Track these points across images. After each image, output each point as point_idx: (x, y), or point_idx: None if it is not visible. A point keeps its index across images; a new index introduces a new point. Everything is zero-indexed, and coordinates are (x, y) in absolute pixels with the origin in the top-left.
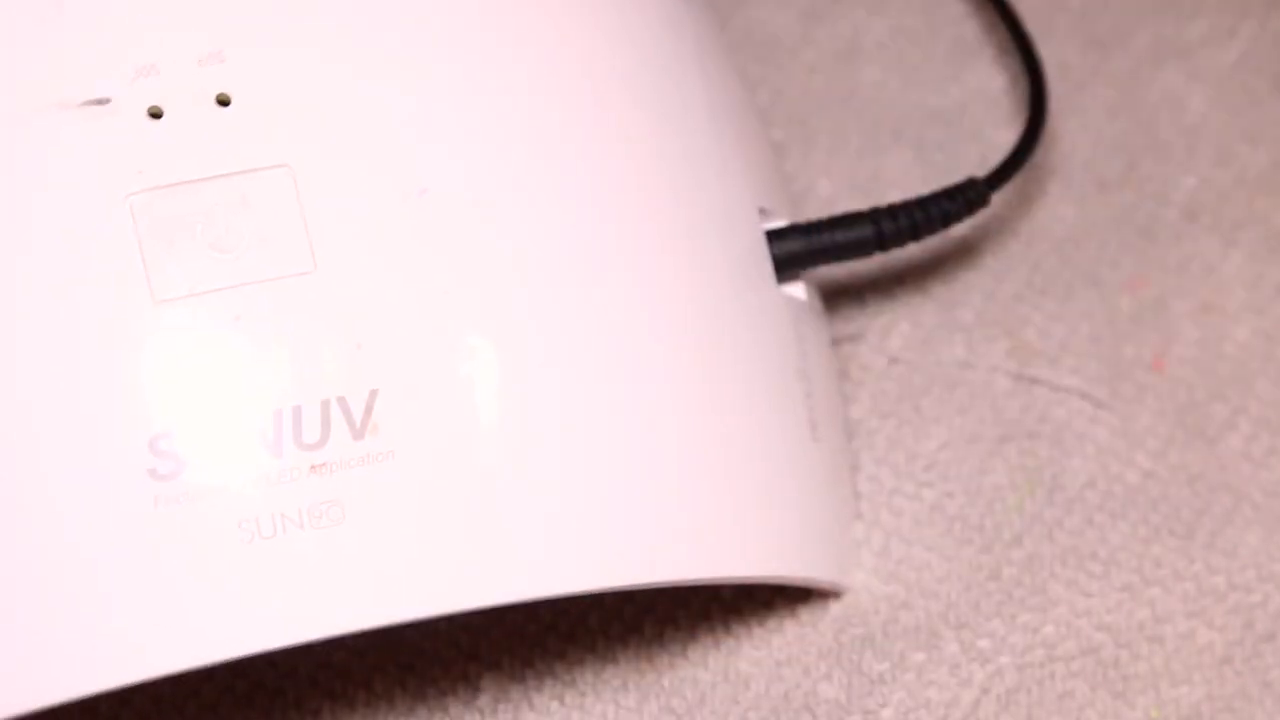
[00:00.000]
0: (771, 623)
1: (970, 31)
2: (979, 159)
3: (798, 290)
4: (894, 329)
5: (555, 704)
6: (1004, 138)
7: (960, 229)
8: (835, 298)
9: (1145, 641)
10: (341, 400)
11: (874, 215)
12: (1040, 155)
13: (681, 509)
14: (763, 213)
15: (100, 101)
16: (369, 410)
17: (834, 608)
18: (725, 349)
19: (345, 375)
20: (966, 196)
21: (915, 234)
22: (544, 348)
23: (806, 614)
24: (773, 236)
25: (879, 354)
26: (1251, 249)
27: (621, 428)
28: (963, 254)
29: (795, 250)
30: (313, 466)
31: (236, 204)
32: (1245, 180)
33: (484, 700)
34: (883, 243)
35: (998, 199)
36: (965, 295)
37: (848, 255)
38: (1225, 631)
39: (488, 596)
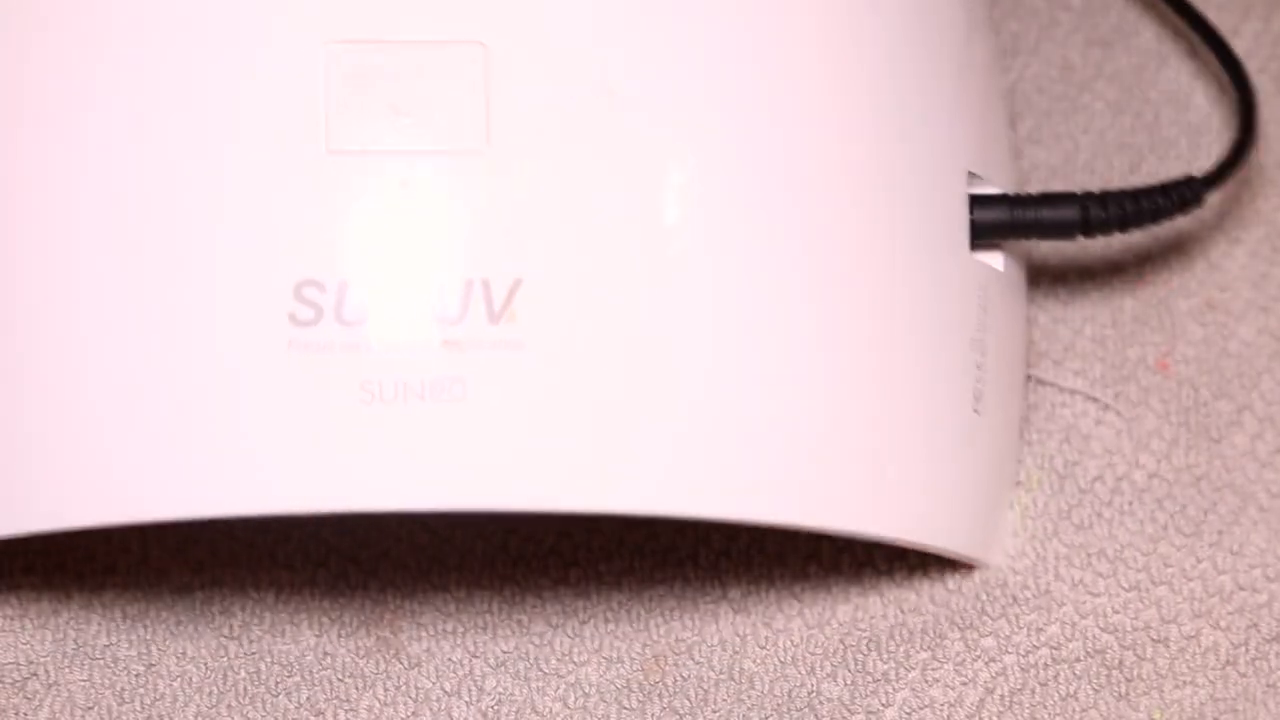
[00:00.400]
0: (778, 623)
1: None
2: None
3: (994, 259)
4: None
5: (559, 705)
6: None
7: (1170, 227)
8: None
9: (1150, 643)
10: (485, 283)
11: (1083, 199)
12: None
13: (817, 455)
14: (973, 177)
15: None
16: (510, 297)
17: (842, 610)
18: (900, 303)
19: (493, 259)
20: (1181, 194)
21: (1122, 224)
22: (702, 277)
23: (813, 615)
24: (977, 202)
25: None
26: (1255, 247)
27: (769, 365)
28: None
29: (997, 219)
30: (445, 341)
31: (426, 70)
32: (1249, 179)
33: (488, 701)
34: (1087, 227)
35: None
36: None
37: (1050, 234)
38: (1230, 633)
39: (591, 503)
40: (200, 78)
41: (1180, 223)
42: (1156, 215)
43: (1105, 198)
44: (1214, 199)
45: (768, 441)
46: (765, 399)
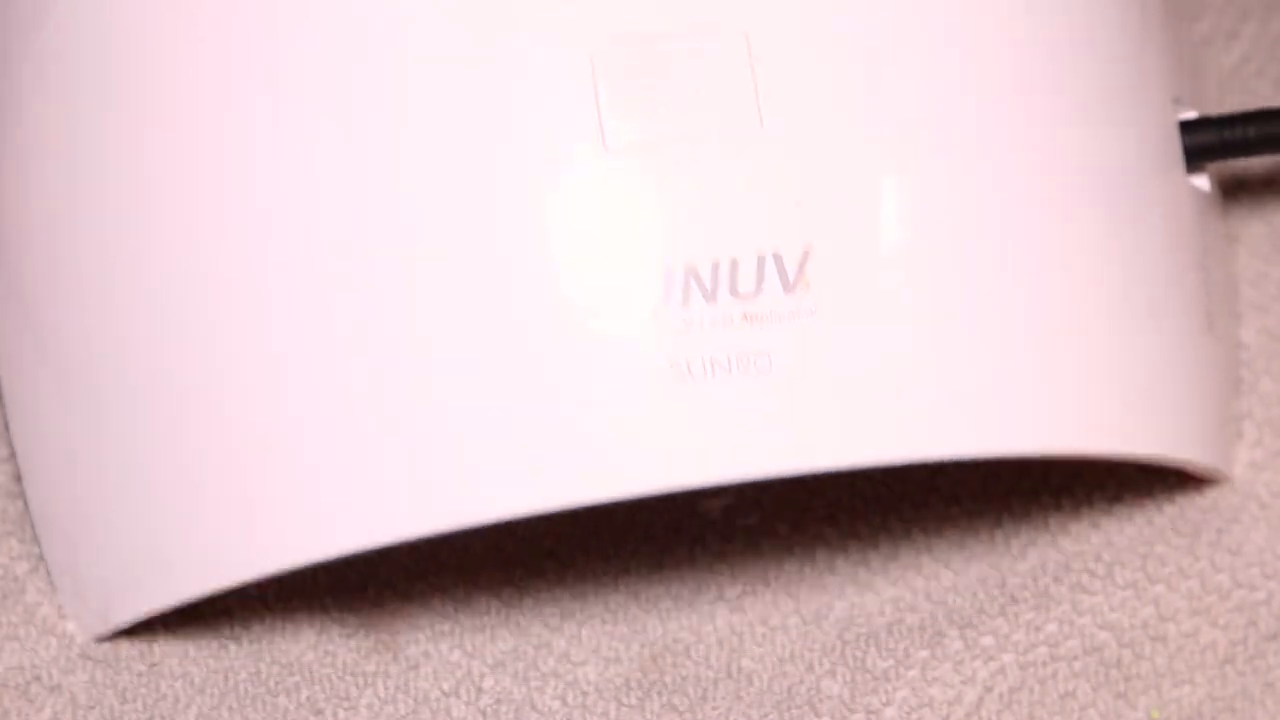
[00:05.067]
0: (775, 619)
1: None
2: None
3: (1203, 182)
4: None
5: (558, 704)
6: None
7: None
8: None
9: (1148, 641)
10: (776, 255)
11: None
12: None
13: (1080, 383)
14: (1176, 102)
15: None
16: (802, 266)
17: (838, 606)
18: (1133, 229)
19: (782, 231)
20: None
21: None
22: (973, 220)
23: (810, 611)
24: (1185, 127)
25: None
26: (1255, 247)
27: (1035, 301)
28: None
29: (1207, 142)
30: (745, 315)
31: (693, 60)
32: (1249, 180)
33: (486, 701)
34: None
35: None
36: None
37: (1258, 151)
38: (1229, 630)
39: (902, 453)
40: (475, 97)
41: None
42: None
43: None
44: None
45: (1045, 374)
46: (1039, 340)
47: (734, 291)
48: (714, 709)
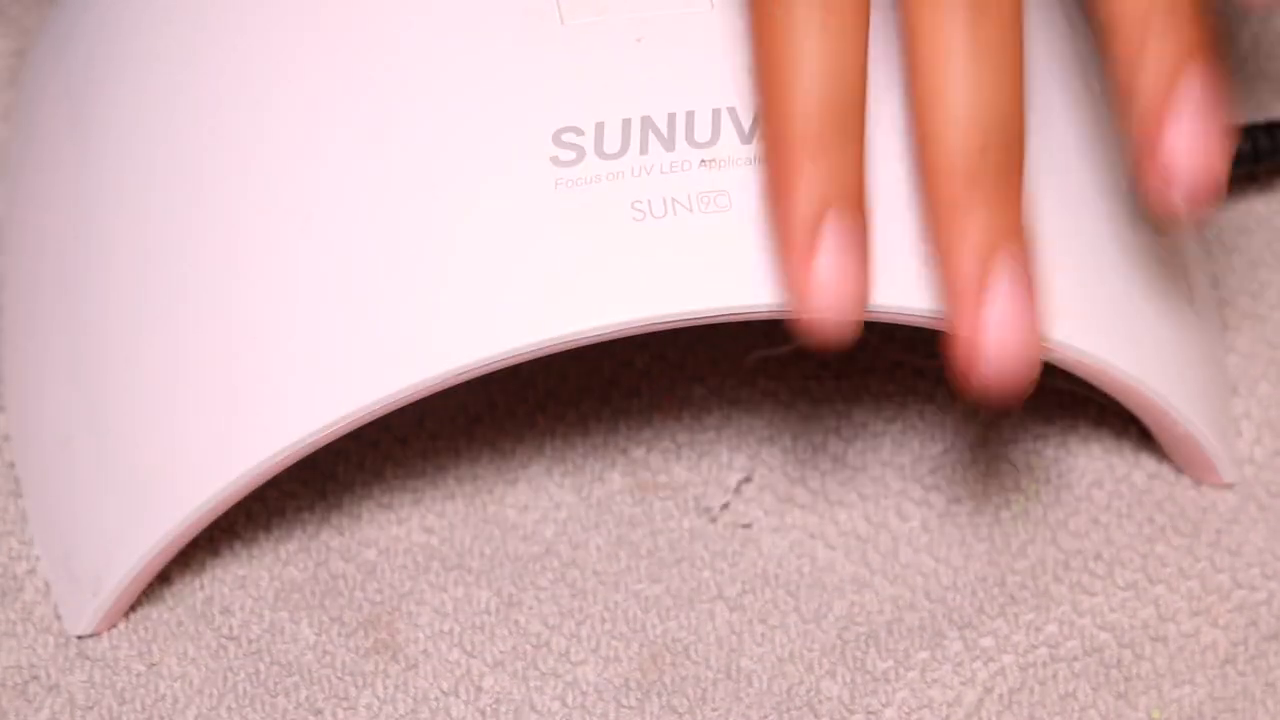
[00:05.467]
0: (775, 619)
1: None
2: None
3: None
4: (897, 331)
5: (557, 704)
6: None
7: None
8: None
9: (1149, 641)
10: (731, 110)
11: (1251, 130)
12: None
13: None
14: None
15: None
16: (757, 120)
17: (838, 606)
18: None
19: (736, 92)
20: None
21: None
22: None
23: (810, 611)
24: None
25: (882, 356)
26: (1253, 255)
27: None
28: None
29: None
30: (703, 161)
31: None
32: (1247, 192)
33: (486, 701)
34: (1257, 157)
35: None
36: None
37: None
38: (1229, 630)
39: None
40: None
41: None
42: None
43: (1273, 127)
44: None
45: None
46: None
47: (691, 140)
48: (713, 709)
